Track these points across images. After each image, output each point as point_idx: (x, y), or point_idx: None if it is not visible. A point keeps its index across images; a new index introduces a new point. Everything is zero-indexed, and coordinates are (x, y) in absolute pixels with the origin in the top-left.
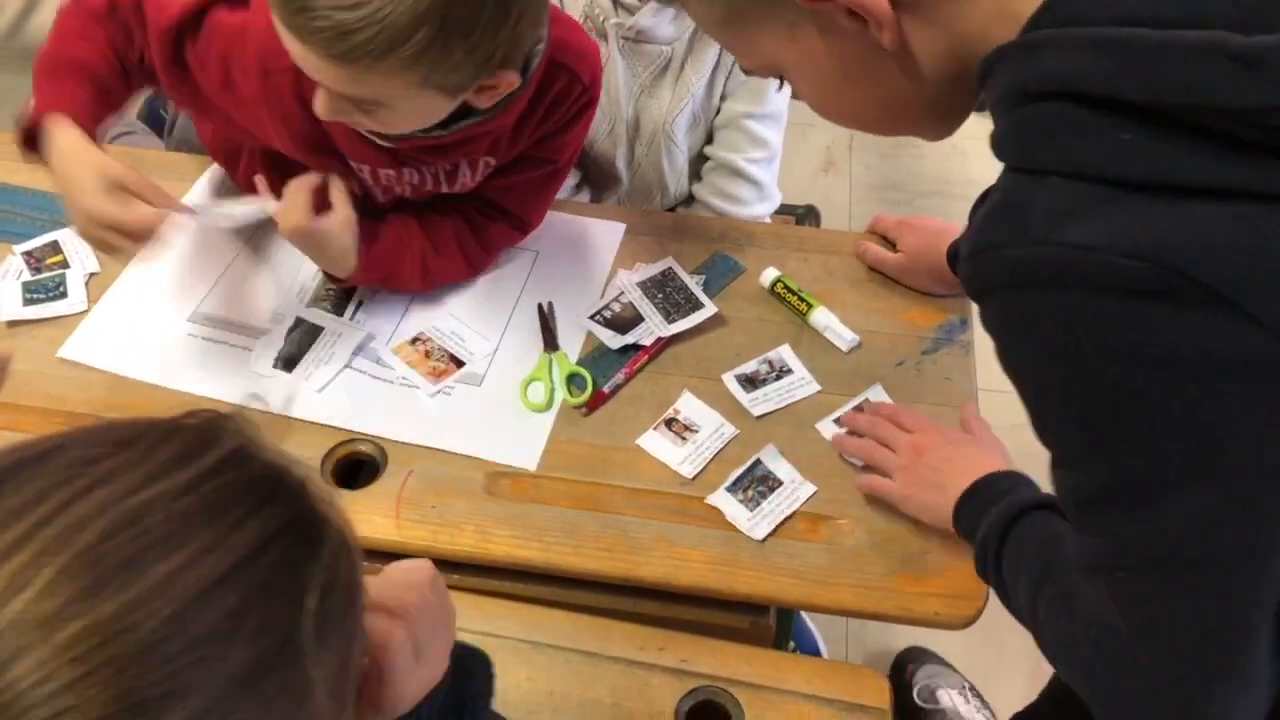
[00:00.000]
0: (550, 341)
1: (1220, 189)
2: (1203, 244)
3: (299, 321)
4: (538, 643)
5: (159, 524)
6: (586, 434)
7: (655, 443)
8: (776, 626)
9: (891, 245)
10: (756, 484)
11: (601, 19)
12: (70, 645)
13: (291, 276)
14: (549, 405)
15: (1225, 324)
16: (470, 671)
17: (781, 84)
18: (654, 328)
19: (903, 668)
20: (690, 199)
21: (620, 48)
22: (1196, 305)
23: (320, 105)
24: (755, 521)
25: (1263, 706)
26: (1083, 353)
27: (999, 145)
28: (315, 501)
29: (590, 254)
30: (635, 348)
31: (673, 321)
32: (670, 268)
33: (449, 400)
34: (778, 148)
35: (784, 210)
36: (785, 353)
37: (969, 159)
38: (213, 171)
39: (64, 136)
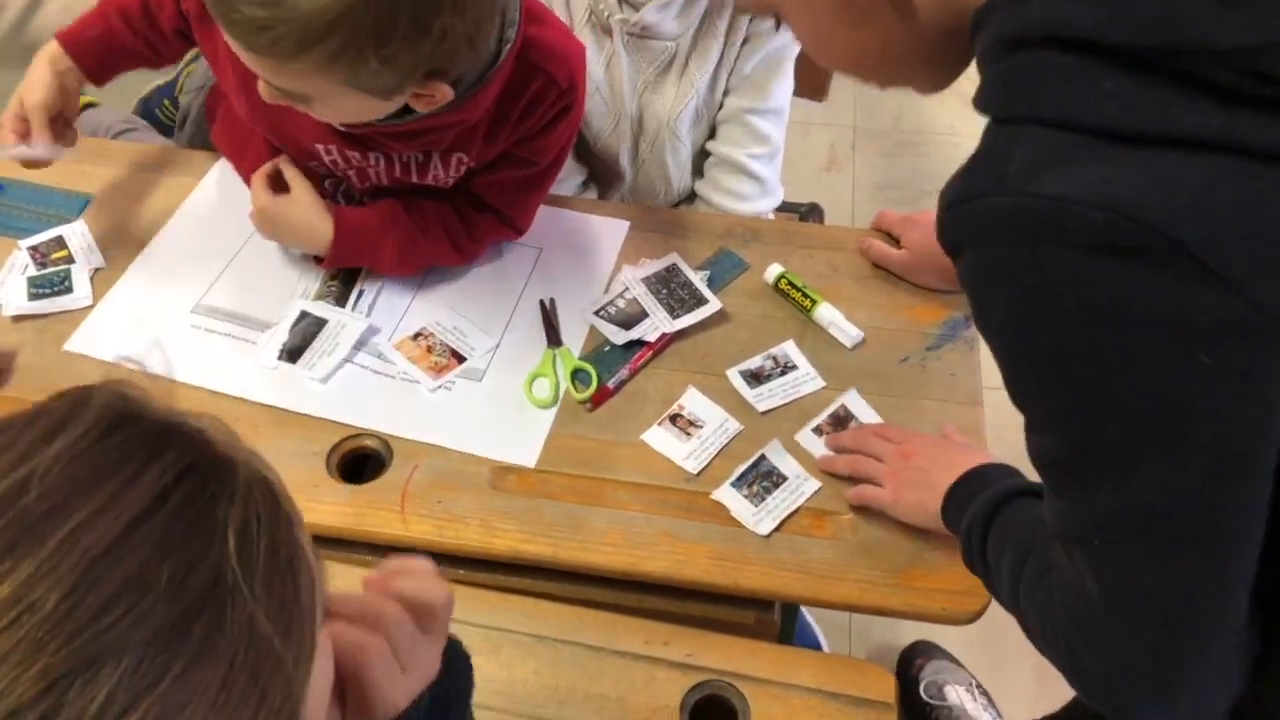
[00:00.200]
0: (553, 337)
1: (1201, 141)
2: (1179, 200)
3: (303, 314)
4: (543, 637)
5: (38, 500)
6: (591, 429)
7: (660, 438)
8: (781, 622)
9: (895, 242)
10: (761, 479)
11: (606, 15)
12: None
13: (296, 271)
14: (554, 401)
15: (1199, 289)
16: (454, 668)
17: (779, 24)
18: (658, 323)
19: (910, 661)
20: (692, 195)
21: (625, 44)
22: (1169, 267)
23: (261, 89)
24: (760, 517)
25: (1237, 687)
26: (1053, 311)
27: (982, 98)
28: (216, 447)
29: (594, 251)
30: (640, 343)
31: (677, 317)
32: (675, 264)
33: (449, 396)
34: (780, 143)
35: (787, 208)
36: (789, 349)
37: None
38: (221, 165)
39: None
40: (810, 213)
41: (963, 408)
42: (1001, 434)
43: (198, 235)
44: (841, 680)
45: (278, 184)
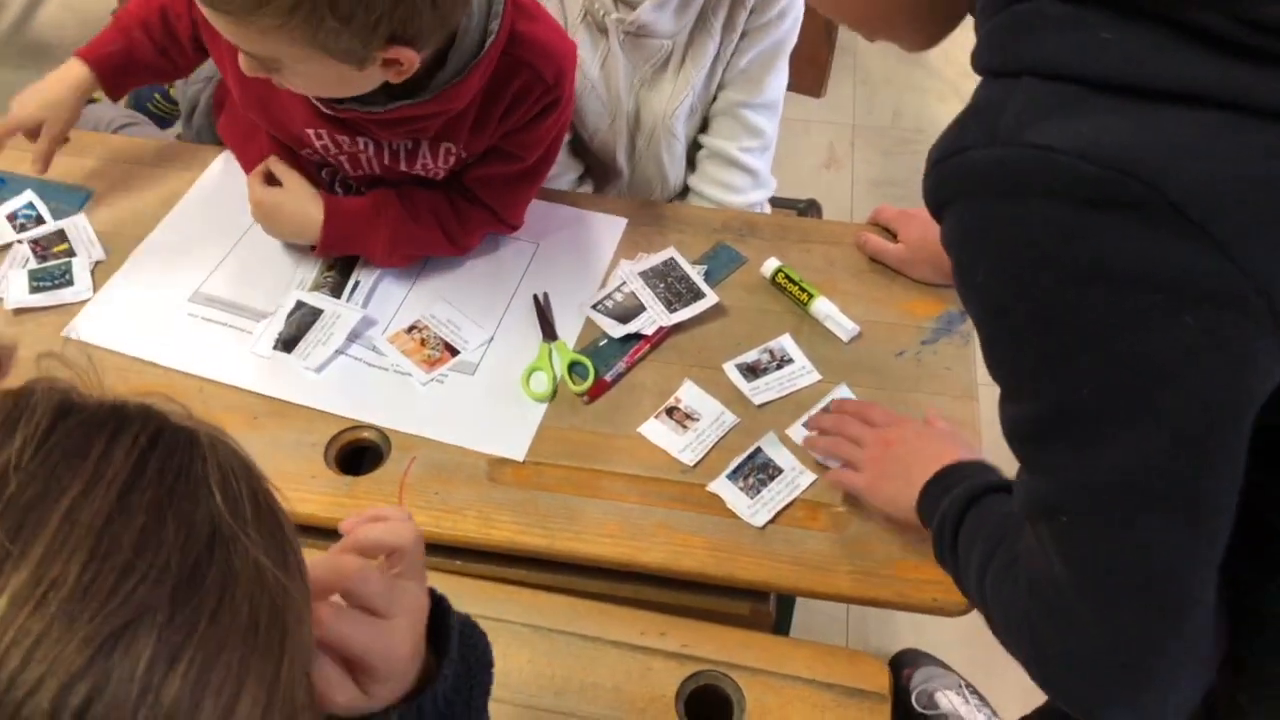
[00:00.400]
0: (548, 331)
1: (1198, 95)
2: (1173, 156)
3: (299, 304)
4: (540, 627)
5: (22, 488)
6: (589, 422)
7: (657, 430)
8: (776, 613)
9: (892, 236)
10: (757, 472)
11: (601, 14)
12: (9, 620)
13: (293, 262)
14: (552, 394)
15: (1188, 248)
16: (474, 643)
17: None
18: (656, 317)
19: (899, 671)
20: (686, 190)
21: (620, 42)
22: (1160, 224)
23: (240, 61)
24: (755, 509)
25: (1209, 678)
26: (1038, 266)
27: (976, 54)
28: (170, 416)
29: (591, 245)
30: (637, 337)
31: (674, 311)
32: (672, 257)
33: (441, 389)
34: (772, 137)
35: (786, 204)
36: (786, 342)
37: None
38: (224, 158)
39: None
40: (809, 209)
41: (957, 401)
42: (995, 428)
43: (198, 225)
44: (836, 670)
45: (273, 181)
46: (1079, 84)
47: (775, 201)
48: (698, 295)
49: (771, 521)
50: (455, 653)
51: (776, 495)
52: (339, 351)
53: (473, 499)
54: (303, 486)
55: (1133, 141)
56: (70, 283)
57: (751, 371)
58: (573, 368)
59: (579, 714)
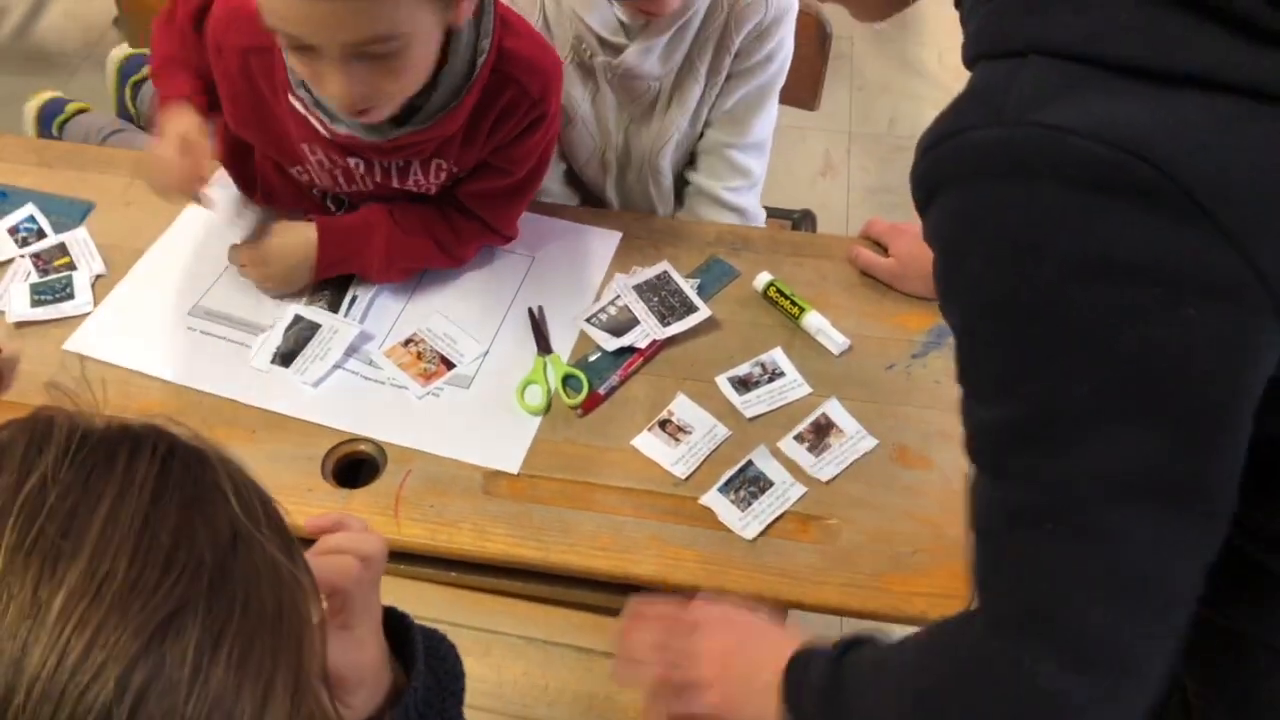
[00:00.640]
0: (542, 345)
1: (1218, 81)
2: (1190, 144)
3: (297, 319)
4: (534, 639)
5: (62, 497)
6: (582, 435)
7: (649, 444)
8: None
9: (884, 250)
10: (748, 485)
11: (589, 55)
12: (64, 616)
13: None
14: (546, 407)
15: (1197, 239)
16: (443, 655)
17: None
18: (649, 330)
19: None
20: None
21: (610, 80)
22: (1169, 211)
23: (338, 89)
24: (746, 521)
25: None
26: (1038, 254)
27: (972, 41)
28: (177, 434)
29: (586, 259)
30: (630, 350)
31: (667, 324)
32: (665, 271)
33: (436, 402)
34: (760, 175)
35: (780, 215)
36: (778, 355)
37: None
38: (223, 173)
39: (173, 115)
40: (803, 219)
41: (946, 415)
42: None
43: (198, 239)
44: None
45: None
46: (1092, 65)
47: (770, 212)
48: (691, 309)
49: (762, 534)
50: (422, 663)
51: (767, 508)
52: (336, 366)
53: (468, 511)
54: (300, 499)
55: (1150, 126)
56: (71, 296)
57: (743, 385)
58: (567, 381)
59: None
